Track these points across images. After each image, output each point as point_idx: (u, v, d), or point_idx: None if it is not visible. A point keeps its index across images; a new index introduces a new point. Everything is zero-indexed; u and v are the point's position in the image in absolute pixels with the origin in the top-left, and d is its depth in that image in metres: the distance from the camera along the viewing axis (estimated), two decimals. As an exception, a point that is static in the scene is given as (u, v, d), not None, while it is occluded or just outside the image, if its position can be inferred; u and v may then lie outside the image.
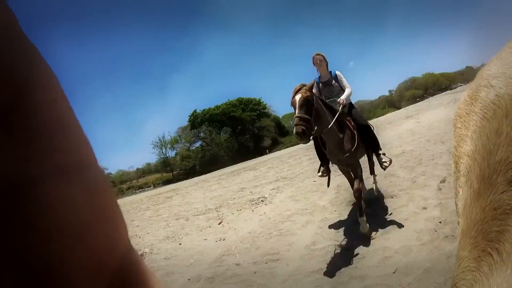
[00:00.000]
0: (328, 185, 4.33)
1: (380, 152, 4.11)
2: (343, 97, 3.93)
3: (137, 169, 63.19)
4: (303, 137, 3.18)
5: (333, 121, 3.50)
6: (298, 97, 3.35)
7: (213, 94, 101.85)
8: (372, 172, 4.65)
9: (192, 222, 6.77)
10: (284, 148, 39.57)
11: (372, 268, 2.81)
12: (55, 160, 0.16)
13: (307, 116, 3.24)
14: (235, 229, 5.25)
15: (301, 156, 13.30)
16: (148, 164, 65.67)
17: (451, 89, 57.01)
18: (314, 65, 4.19)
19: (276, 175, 10.35)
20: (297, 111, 3.30)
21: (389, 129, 11.87)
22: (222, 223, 5.87)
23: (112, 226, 0.18)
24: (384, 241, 3.25)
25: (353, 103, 4.34)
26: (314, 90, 3.96)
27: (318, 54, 4.16)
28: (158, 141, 58.29)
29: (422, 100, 45.94)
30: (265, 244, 4.23)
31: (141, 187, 52.86)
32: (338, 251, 3.39)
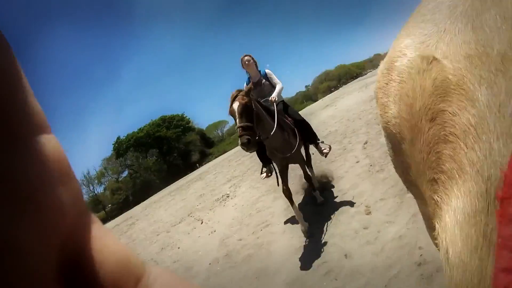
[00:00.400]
0: (278, 184, 4.09)
1: (318, 141, 4.22)
2: (274, 94, 3.93)
3: None
4: (249, 147, 3.13)
5: (276, 123, 3.50)
6: (236, 105, 3.26)
7: (133, 118, 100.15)
8: (309, 165, 4.65)
9: (175, 231, 7.22)
10: (214, 159, 39.81)
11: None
12: (4, 127, 0.16)
13: (249, 124, 3.17)
14: (218, 221, 6.05)
15: (240, 158, 14.14)
16: None
17: (362, 76, 62.99)
18: (243, 66, 4.14)
19: (226, 177, 11.14)
20: (237, 120, 3.21)
21: (312, 119, 13.17)
22: (203, 222, 6.59)
23: (64, 189, 0.18)
24: (339, 189, 4.46)
25: None
26: None
27: (246, 55, 4.12)
28: (84, 179, 54.50)
29: (337, 90, 50.19)
30: (251, 220, 5.04)
31: None
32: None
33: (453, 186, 0.49)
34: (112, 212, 48.45)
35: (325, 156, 4.26)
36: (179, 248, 5.80)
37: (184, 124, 55.22)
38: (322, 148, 4.18)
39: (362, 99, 11.71)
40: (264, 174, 4.31)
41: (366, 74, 64.16)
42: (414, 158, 0.61)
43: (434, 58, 0.56)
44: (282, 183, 3.88)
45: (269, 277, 3.24)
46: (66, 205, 0.17)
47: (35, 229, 0.16)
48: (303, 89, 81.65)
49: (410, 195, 0.89)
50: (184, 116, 56.21)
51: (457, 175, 0.49)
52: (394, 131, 0.65)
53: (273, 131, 3.41)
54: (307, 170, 4.16)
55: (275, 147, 3.61)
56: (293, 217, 4.22)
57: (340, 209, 3.84)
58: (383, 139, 3.11)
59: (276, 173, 4.12)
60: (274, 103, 3.84)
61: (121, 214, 32.83)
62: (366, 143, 5.69)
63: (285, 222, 4.39)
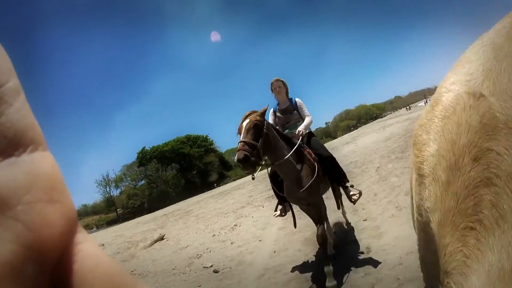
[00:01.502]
0: (295, 226, 3.84)
1: (348, 184, 3.68)
2: (301, 127, 3.60)
3: None
4: (246, 165, 2.82)
5: (291, 153, 3.17)
6: (245, 122, 3.05)
7: (158, 131, 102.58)
8: (339, 206, 4.12)
9: (242, 221, 7.90)
10: (232, 181, 40.22)
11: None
12: None
13: (253, 142, 2.90)
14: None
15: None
16: (85, 206, 63.00)
17: (381, 117, 64.24)
18: (273, 92, 3.87)
19: (263, 192, 10.95)
20: (242, 135, 2.97)
21: (334, 152, 15.39)
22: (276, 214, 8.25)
23: (55, 207, 0.18)
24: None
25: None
26: (270, 119, 3.83)
27: (277, 80, 3.83)
28: (102, 180, 57.01)
29: (356, 129, 51.61)
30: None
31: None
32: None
33: (489, 237, 0.44)
34: (124, 215, 50.44)
35: (354, 203, 3.62)
36: (260, 241, 5.85)
37: (207, 145, 57.43)
38: (351, 193, 3.59)
39: (379, 139, 13.76)
40: (278, 212, 3.86)
41: (385, 115, 65.22)
42: (444, 204, 0.53)
43: (482, 95, 0.53)
44: (316, 225, 3.45)
45: None
46: (56, 223, 0.17)
47: (22, 247, 0.16)
48: (323, 125, 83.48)
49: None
50: (208, 137, 58.64)
51: (496, 225, 0.44)
52: (427, 171, 0.58)
53: (282, 160, 3.10)
54: (323, 227, 3.38)
55: (288, 179, 3.27)
56: (304, 263, 4.03)
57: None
58: (391, 165, 5.79)
59: (292, 212, 3.78)
60: (300, 137, 3.48)
61: (134, 218, 33.57)
62: (378, 168, 8.00)
63: (292, 269, 3.96)
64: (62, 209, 0.18)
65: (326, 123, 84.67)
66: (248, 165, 2.81)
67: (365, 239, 4.09)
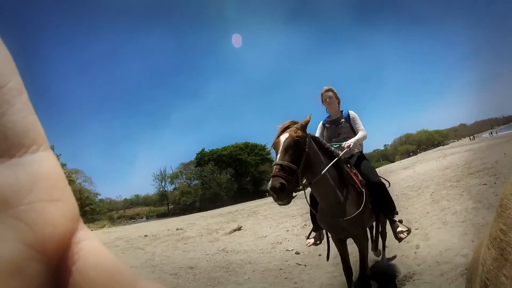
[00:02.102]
0: (328, 259, 3.33)
1: (396, 218, 3.24)
2: (351, 140, 3.20)
3: (125, 199, 62.76)
4: (280, 195, 2.35)
5: (328, 167, 2.68)
6: (284, 137, 2.58)
7: (214, 135, 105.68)
8: (376, 247, 3.77)
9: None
10: None
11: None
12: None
13: (292, 165, 2.45)
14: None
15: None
16: (137, 196, 65.40)
17: (443, 145, 62.11)
18: (323, 103, 3.50)
19: None
20: (279, 155, 2.51)
21: (391, 176, 16.05)
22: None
23: (57, 206, 0.18)
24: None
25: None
26: (317, 133, 3.44)
27: (328, 90, 3.46)
28: (160, 174, 59.46)
29: (416, 155, 50.93)
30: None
31: (133, 218, 53.04)
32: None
33: None
34: (175, 210, 52.95)
35: (399, 241, 3.23)
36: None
37: (264, 154, 58.39)
38: (399, 229, 3.15)
39: (437, 167, 14.25)
40: (312, 241, 3.43)
41: (448, 143, 62.68)
42: None
43: None
44: (340, 256, 3.11)
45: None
46: (58, 222, 0.18)
47: (24, 246, 0.16)
48: (381, 147, 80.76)
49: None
50: (265, 147, 59.06)
51: None
52: None
53: (322, 172, 2.63)
54: (366, 256, 3.00)
55: (323, 206, 2.84)
56: None
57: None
58: (445, 192, 6.92)
59: (328, 242, 3.31)
60: (345, 149, 3.08)
61: (184, 214, 35.78)
62: (433, 192, 8.89)
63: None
64: (64, 208, 0.19)
65: (384, 145, 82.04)
66: (284, 196, 2.37)
67: (416, 240, 5.14)
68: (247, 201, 36.47)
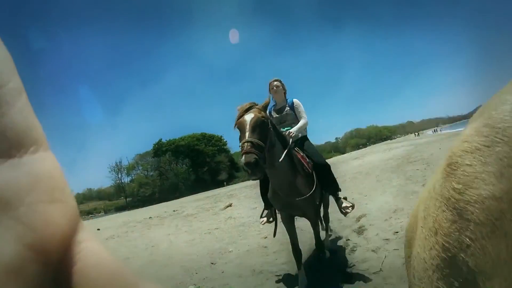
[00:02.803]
0: (274, 235, 3.51)
1: (340, 195, 3.45)
2: (294, 128, 3.31)
3: (77, 194, 59.40)
4: (255, 170, 2.39)
5: (285, 153, 2.77)
6: (249, 116, 2.60)
7: (171, 126, 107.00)
8: (322, 222, 3.91)
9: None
10: (241, 182, 40.96)
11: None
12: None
13: (261, 143, 2.48)
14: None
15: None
16: (89, 190, 63.59)
17: (391, 139, 66.77)
18: (270, 91, 3.59)
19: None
20: (247, 134, 2.50)
21: (343, 165, 17.94)
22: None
23: (57, 207, 0.18)
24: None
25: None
26: None
27: (275, 80, 3.59)
28: (115, 165, 58.47)
29: (364, 147, 54.46)
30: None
31: (91, 213, 51.12)
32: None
33: None
34: (133, 202, 51.72)
35: (345, 215, 3.44)
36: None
37: (220, 145, 59.39)
38: (343, 205, 3.39)
39: (383, 158, 16.03)
40: (265, 219, 3.61)
41: (395, 138, 66.78)
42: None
43: None
44: (289, 237, 3.23)
45: None
46: (58, 223, 0.18)
47: (24, 248, 0.16)
48: (333, 140, 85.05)
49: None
50: (222, 138, 60.58)
51: None
52: (482, 218, 0.36)
53: (280, 159, 2.69)
54: (318, 231, 3.25)
55: (276, 186, 2.91)
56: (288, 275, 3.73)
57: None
58: (386, 175, 8.57)
59: (275, 220, 3.52)
60: (290, 138, 3.19)
61: (143, 206, 35.18)
62: (378, 175, 10.36)
63: (278, 281, 3.64)
64: (64, 209, 0.18)
65: (336, 138, 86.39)
66: (258, 170, 2.41)
67: (365, 201, 6.49)
68: (206, 190, 36.81)
